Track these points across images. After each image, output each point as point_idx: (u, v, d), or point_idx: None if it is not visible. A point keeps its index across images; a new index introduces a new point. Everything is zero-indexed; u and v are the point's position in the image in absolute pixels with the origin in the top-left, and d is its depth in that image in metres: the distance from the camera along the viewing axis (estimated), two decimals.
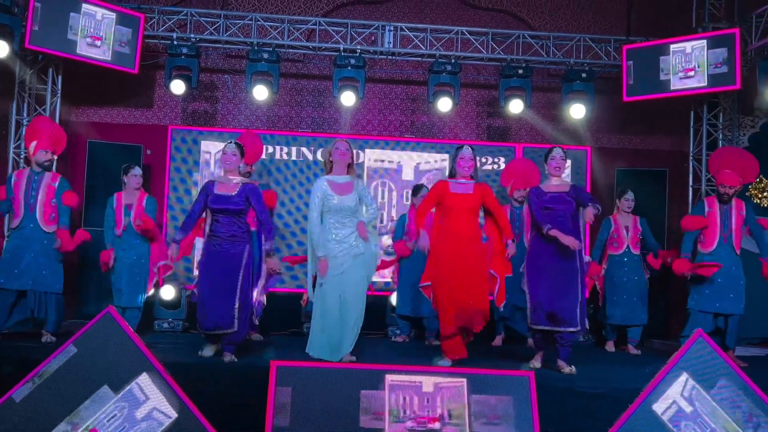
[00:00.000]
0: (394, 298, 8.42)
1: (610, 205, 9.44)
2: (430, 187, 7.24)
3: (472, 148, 5.90)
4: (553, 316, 5.64)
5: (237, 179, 5.81)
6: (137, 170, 7.35)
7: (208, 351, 5.81)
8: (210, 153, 9.05)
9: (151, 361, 3.69)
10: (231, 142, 5.85)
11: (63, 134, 7.12)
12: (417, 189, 7.91)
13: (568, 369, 5.62)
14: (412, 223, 7.61)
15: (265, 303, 6.03)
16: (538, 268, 5.77)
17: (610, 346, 7.72)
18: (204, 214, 5.85)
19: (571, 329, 5.63)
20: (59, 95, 8.74)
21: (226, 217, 5.69)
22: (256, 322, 6.05)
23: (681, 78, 8.72)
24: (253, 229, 5.86)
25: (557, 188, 5.82)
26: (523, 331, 7.55)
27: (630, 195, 7.73)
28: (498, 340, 7.90)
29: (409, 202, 8.61)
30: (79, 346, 3.67)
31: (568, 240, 5.52)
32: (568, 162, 9.33)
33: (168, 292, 8.19)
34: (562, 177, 5.93)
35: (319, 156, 9.04)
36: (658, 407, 3.70)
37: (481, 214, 5.94)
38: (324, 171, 6.00)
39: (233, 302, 5.57)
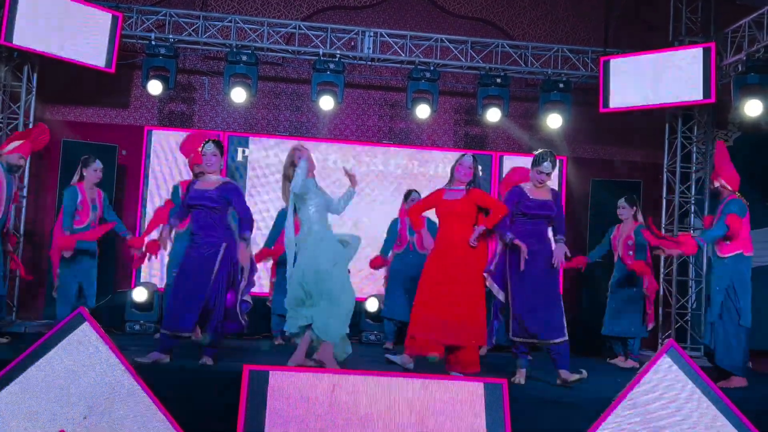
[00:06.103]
0: (369, 303, 8.40)
1: (585, 215, 9.53)
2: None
3: (474, 157, 5.64)
4: (538, 328, 5.42)
5: (217, 178, 5.65)
6: (99, 164, 6.85)
7: (153, 355, 5.46)
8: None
9: (124, 365, 3.64)
10: (209, 141, 5.68)
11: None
12: (409, 194, 7.84)
13: (576, 376, 5.41)
14: (404, 228, 7.66)
15: (251, 303, 5.78)
16: (517, 276, 5.50)
17: (621, 361, 7.43)
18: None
19: (559, 340, 5.47)
20: (34, 93, 8.64)
21: (200, 211, 5.52)
22: (243, 322, 5.78)
23: (655, 90, 8.82)
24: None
25: (541, 194, 5.60)
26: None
27: (619, 202, 7.53)
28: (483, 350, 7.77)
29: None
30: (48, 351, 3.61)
31: (524, 247, 5.37)
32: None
33: (140, 294, 8.11)
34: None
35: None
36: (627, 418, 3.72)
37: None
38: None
39: (201, 304, 5.43)
